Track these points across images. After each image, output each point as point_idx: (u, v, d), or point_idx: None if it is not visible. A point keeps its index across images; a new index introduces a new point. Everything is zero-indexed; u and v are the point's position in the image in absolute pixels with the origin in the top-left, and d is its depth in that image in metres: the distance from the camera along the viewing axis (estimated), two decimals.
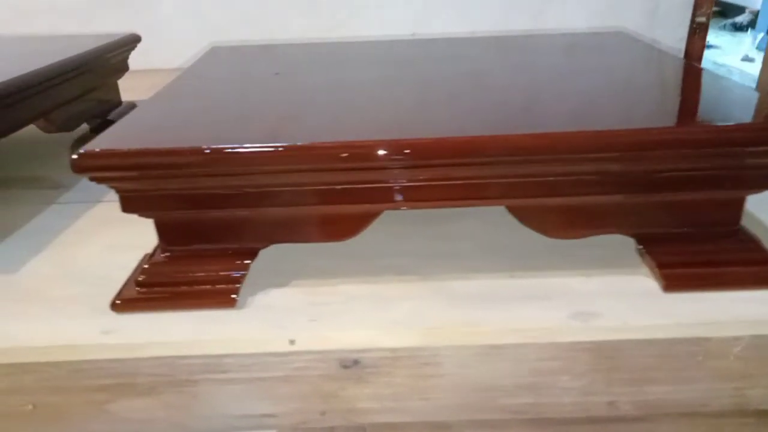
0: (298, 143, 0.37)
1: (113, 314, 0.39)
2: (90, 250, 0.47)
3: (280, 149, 0.36)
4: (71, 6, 0.96)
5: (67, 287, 0.43)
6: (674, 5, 0.97)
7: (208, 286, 0.40)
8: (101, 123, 0.69)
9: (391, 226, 0.46)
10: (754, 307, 0.38)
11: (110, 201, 0.51)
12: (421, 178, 0.38)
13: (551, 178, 0.38)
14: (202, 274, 0.40)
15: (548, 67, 0.57)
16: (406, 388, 0.38)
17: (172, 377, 0.38)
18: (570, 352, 0.37)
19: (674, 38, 0.99)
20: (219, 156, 0.36)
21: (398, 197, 0.39)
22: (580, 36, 0.74)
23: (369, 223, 0.40)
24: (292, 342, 0.37)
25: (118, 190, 0.38)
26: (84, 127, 0.69)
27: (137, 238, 0.44)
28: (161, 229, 0.40)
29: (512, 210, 0.40)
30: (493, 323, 0.37)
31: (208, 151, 0.36)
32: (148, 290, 0.40)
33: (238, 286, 0.40)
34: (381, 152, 0.36)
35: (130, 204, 0.39)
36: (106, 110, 0.70)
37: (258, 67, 0.61)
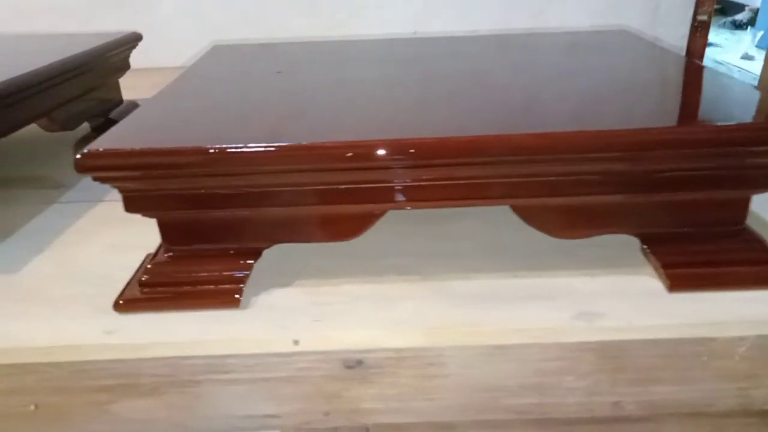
0: (303, 143, 0.37)
1: (115, 314, 0.39)
2: (92, 250, 0.47)
3: (285, 149, 0.36)
4: (72, 5, 0.96)
5: (69, 287, 0.42)
6: (675, 3, 0.97)
7: (211, 286, 0.40)
8: (103, 122, 0.69)
9: (394, 226, 0.45)
10: (759, 307, 0.38)
11: (112, 200, 0.51)
12: (424, 177, 0.38)
13: (554, 178, 0.38)
14: (206, 274, 0.40)
15: (551, 65, 0.57)
16: (409, 389, 0.38)
17: (175, 378, 0.37)
18: (574, 352, 0.37)
19: (676, 36, 0.98)
20: (222, 156, 0.36)
21: (401, 197, 0.39)
22: (583, 34, 0.73)
23: (372, 223, 0.40)
24: (295, 342, 0.37)
25: (121, 190, 0.38)
26: (86, 126, 0.69)
27: (139, 237, 0.44)
28: (164, 228, 0.40)
29: (516, 209, 0.40)
30: (497, 323, 0.37)
31: (211, 150, 0.36)
32: (151, 290, 0.40)
33: (241, 286, 0.40)
34: (385, 152, 0.36)
35: (133, 204, 0.39)
36: (108, 109, 0.70)
37: (259, 66, 0.61)
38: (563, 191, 0.39)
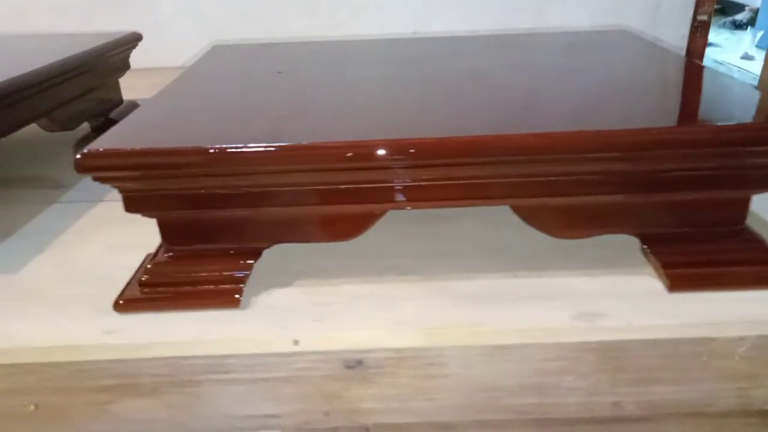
0: (304, 143, 0.37)
1: (115, 314, 0.39)
2: (91, 250, 0.47)
3: (285, 149, 0.36)
4: (72, 5, 0.96)
5: (69, 287, 0.42)
6: (676, 3, 0.97)
7: (211, 286, 0.40)
8: (103, 122, 0.69)
9: (394, 226, 0.45)
10: (759, 307, 0.38)
11: (112, 200, 0.51)
12: (424, 177, 0.38)
13: (555, 178, 0.38)
14: (206, 274, 0.40)
15: (551, 65, 0.57)
16: (410, 389, 0.38)
17: (175, 378, 0.37)
18: (574, 352, 0.37)
19: (676, 36, 0.98)
20: (223, 156, 0.36)
21: (401, 197, 0.39)
22: (584, 34, 0.73)
23: (373, 222, 0.40)
24: (295, 342, 0.37)
25: (121, 190, 0.38)
26: (86, 126, 0.69)
27: (139, 237, 0.44)
28: (164, 228, 0.40)
29: (516, 209, 0.40)
30: (497, 323, 0.37)
31: (212, 151, 0.36)
32: (151, 290, 0.40)
33: (241, 286, 0.40)
34: (385, 152, 0.36)
35: (133, 204, 0.39)
36: (108, 109, 0.70)
37: (260, 65, 0.61)
38: (563, 191, 0.39)
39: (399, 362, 0.37)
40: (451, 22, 0.98)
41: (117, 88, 0.73)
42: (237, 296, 0.39)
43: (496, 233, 0.46)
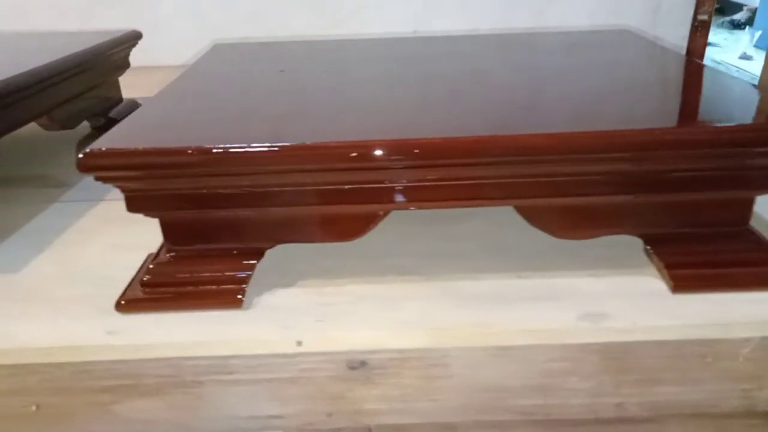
0: (307, 143, 0.37)
1: (117, 314, 0.39)
2: (93, 250, 0.47)
3: (288, 149, 0.36)
4: (72, 4, 0.96)
5: (70, 287, 0.42)
6: (676, 3, 0.97)
7: (213, 287, 0.40)
8: (104, 122, 0.69)
9: (398, 226, 0.45)
10: (763, 308, 0.38)
11: (113, 200, 0.51)
12: (428, 178, 0.38)
13: (558, 178, 0.38)
14: (208, 274, 0.40)
15: (553, 65, 0.56)
16: (413, 389, 0.38)
17: (178, 378, 0.37)
18: (579, 353, 0.37)
19: (676, 36, 0.98)
20: (225, 156, 0.36)
21: (405, 197, 0.38)
22: (585, 34, 0.73)
23: (376, 223, 0.40)
24: (299, 343, 0.37)
25: (123, 190, 0.38)
26: (86, 125, 0.68)
27: (140, 237, 0.44)
28: (166, 228, 0.40)
29: (520, 210, 0.40)
30: (501, 324, 0.37)
31: (214, 150, 0.36)
32: (153, 290, 0.40)
33: (244, 286, 0.40)
34: (389, 152, 0.36)
35: (135, 203, 0.39)
36: (108, 107, 0.70)
37: (261, 64, 0.61)
38: (567, 192, 0.38)
39: (403, 363, 0.37)
40: (450, 21, 0.98)
41: (117, 87, 0.73)
42: (239, 296, 0.39)
43: (500, 234, 0.46)
